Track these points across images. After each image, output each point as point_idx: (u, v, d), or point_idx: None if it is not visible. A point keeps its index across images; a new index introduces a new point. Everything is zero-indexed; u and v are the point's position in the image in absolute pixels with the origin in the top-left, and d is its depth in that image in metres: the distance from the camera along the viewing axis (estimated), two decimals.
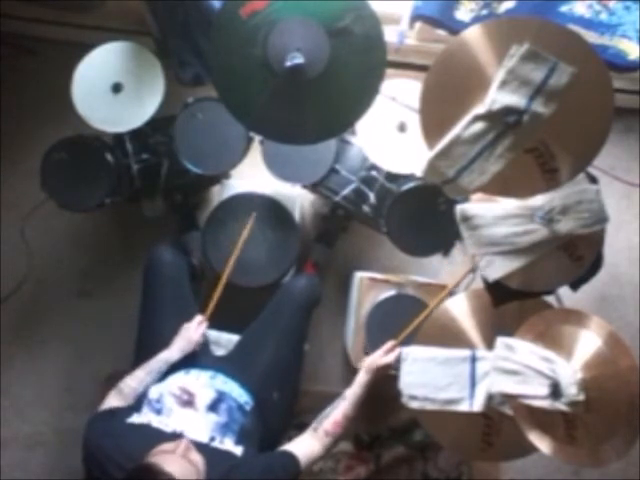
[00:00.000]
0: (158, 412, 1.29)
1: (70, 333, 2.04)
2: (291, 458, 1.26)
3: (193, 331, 1.50)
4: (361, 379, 1.43)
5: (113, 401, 1.35)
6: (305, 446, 1.32)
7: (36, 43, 2.11)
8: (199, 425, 1.27)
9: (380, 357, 1.46)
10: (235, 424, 1.33)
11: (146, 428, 1.23)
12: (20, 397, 2.01)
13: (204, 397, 1.34)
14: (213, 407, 1.33)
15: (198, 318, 1.53)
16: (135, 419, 1.25)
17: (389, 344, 1.49)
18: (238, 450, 1.26)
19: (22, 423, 1.99)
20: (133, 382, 1.38)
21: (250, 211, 1.67)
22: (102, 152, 1.67)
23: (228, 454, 1.24)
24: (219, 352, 1.61)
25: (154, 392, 1.34)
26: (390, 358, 1.45)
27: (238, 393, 1.42)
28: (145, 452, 1.10)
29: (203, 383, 1.38)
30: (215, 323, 1.63)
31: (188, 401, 1.31)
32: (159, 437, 1.18)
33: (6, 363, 2.01)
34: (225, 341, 1.64)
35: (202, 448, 1.19)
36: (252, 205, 1.69)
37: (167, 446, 1.11)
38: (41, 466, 1.97)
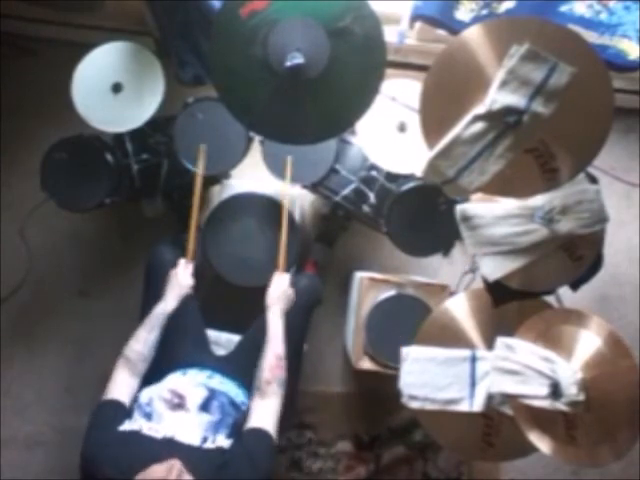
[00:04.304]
0: (148, 417, 1.27)
1: (70, 333, 2.04)
2: (263, 434, 1.25)
3: (182, 275, 1.51)
4: (272, 316, 1.45)
5: (122, 372, 1.34)
6: (264, 412, 1.30)
7: (36, 43, 2.11)
8: (191, 427, 1.25)
9: (275, 287, 1.50)
10: (229, 418, 1.31)
11: (137, 436, 1.21)
12: (20, 397, 2.01)
13: (195, 397, 1.32)
14: (205, 406, 1.31)
15: (182, 261, 1.54)
16: (127, 426, 1.23)
17: (277, 274, 1.54)
18: (228, 443, 1.24)
19: (22, 423, 2.00)
20: (138, 345, 1.37)
21: (250, 211, 1.67)
22: (102, 152, 1.67)
23: (218, 450, 1.22)
24: (219, 352, 1.61)
25: (145, 396, 1.32)
26: (283, 285, 1.50)
27: (235, 393, 1.41)
28: (137, 464, 1.09)
29: (197, 382, 1.37)
30: (215, 323, 1.63)
31: (179, 404, 1.29)
32: (149, 445, 1.18)
33: (6, 363, 2.01)
34: (225, 341, 1.64)
35: (193, 452, 1.18)
36: (252, 205, 1.69)
37: (159, 470, 1.09)
38: (41, 466, 1.98)
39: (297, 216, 1.79)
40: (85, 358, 2.02)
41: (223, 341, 1.64)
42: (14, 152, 2.07)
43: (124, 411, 1.29)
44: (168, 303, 1.46)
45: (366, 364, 1.71)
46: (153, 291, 1.58)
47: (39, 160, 1.66)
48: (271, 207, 1.70)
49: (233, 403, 1.37)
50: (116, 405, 1.30)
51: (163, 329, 1.42)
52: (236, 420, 1.32)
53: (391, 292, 1.72)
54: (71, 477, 1.89)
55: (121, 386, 1.33)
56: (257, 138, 1.67)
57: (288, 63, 1.10)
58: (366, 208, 1.73)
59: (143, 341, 1.38)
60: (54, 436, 1.99)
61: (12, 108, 2.08)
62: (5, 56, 2.08)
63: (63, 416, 1.99)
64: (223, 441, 1.24)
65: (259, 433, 1.25)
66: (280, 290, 1.50)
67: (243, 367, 1.49)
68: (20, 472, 1.97)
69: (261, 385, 1.33)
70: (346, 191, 1.71)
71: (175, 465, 1.10)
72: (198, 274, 1.78)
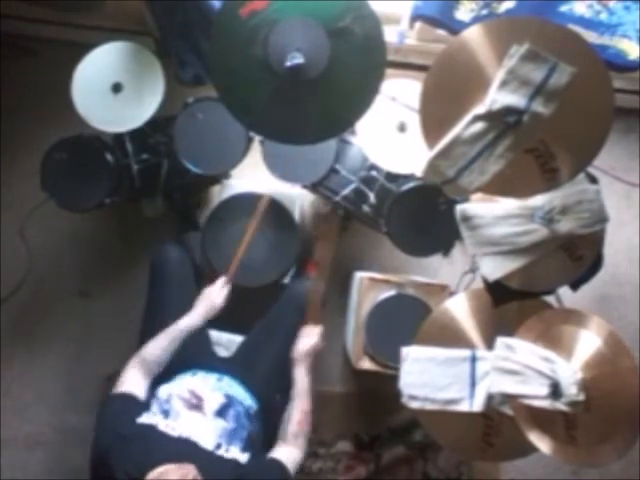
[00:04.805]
0: (166, 414, 1.27)
1: (70, 333, 2.04)
2: (284, 470, 1.25)
3: (216, 295, 1.48)
4: (299, 373, 1.44)
5: (134, 372, 1.32)
6: (286, 454, 1.31)
7: (36, 43, 2.11)
8: (206, 431, 1.25)
9: (305, 343, 1.47)
10: (243, 430, 1.32)
11: (153, 431, 1.21)
12: (20, 397, 2.01)
13: (213, 402, 1.32)
14: (221, 413, 1.31)
15: (221, 280, 1.51)
16: (145, 419, 1.23)
17: (306, 329, 1.50)
18: (244, 457, 1.24)
19: (22, 423, 2.00)
20: (156, 350, 1.36)
21: (250, 211, 1.67)
22: (102, 152, 1.67)
23: (233, 462, 1.22)
24: (220, 352, 1.61)
25: (163, 392, 1.32)
26: (313, 339, 1.47)
27: (243, 397, 1.41)
28: (151, 460, 1.09)
29: (212, 386, 1.37)
30: (215, 323, 1.63)
31: (197, 405, 1.30)
32: (165, 442, 1.18)
33: (6, 363, 2.01)
34: (226, 341, 1.64)
35: (207, 456, 1.18)
36: (252, 205, 1.69)
37: (174, 473, 1.08)
38: (41, 466, 1.98)
39: (297, 216, 1.79)
40: (85, 358, 2.02)
41: (224, 341, 1.64)
42: (14, 152, 2.07)
43: (139, 403, 1.28)
44: (195, 319, 1.44)
45: (366, 364, 1.71)
46: (157, 289, 1.59)
47: (39, 160, 1.66)
48: (271, 207, 1.70)
49: (247, 413, 1.37)
50: (129, 398, 1.28)
51: (184, 342, 1.41)
52: (250, 433, 1.33)
53: (391, 292, 1.72)
54: (71, 477, 1.91)
55: (133, 383, 1.31)
56: (257, 138, 1.67)
57: (288, 63, 1.10)
58: (366, 208, 1.73)
59: (162, 349, 1.37)
60: (54, 436, 1.99)
61: (12, 108, 2.08)
62: (5, 56, 2.08)
63: (63, 416, 1.99)
64: (238, 454, 1.24)
65: (280, 466, 1.25)
66: (310, 346, 1.47)
67: (248, 369, 1.50)
68: (20, 472, 1.97)
69: (287, 437, 1.34)
70: (346, 191, 1.71)
71: (191, 471, 1.10)
72: (198, 274, 1.79)
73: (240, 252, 1.57)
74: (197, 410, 1.29)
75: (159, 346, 1.38)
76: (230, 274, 1.54)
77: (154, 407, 1.28)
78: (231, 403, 1.35)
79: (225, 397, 1.35)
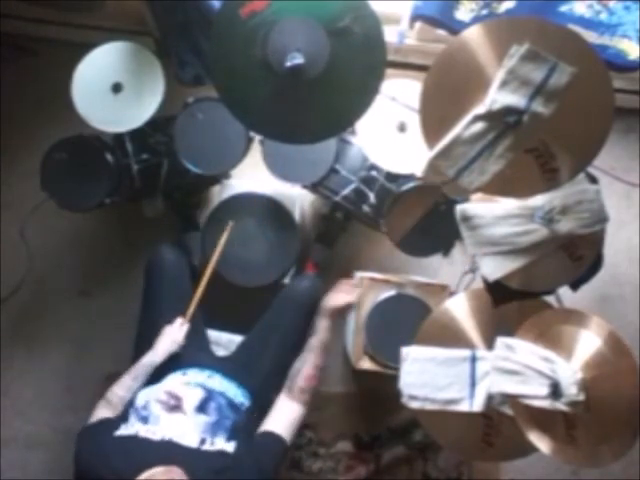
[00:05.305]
0: (145, 420, 1.26)
1: (70, 333, 2.04)
2: (277, 440, 1.25)
3: (176, 333, 1.49)
4: (323, 325, 1.43)
5: (102, 412, 1.32)
6: (286, 415, 1.30)
7: (36, 43, 2.11)
8: (188, 429, 1.24)
9: (339, 298, 1.46)
10: (227, 420, 1.30)
11: (133, 440, 1.20)
12: (20, 397, 2.01)
13: (192, 398, 1.31)
14: (202, 408, 1.30)
15: (179, 320, 1.52)
16: (123, 431, 1.23)
17: (343, 284, 1.48)
18: (230, 447, 1.23)
19: (22, 423, 2.00)
20: (120, 390, 1.37)
21: (250, 211, 1.68)
22: (102, 152, 1.67)
23: (219, 454, 1.21)
24: (219, 352, 1.61)
25: (140, 399, 1.32)
26: (349, 297, 1.45)
27: (234, 393, 1.40)
28: (135, 467, 1.09)
29: (194, 383, 1.37)
30: (215, 323, 1.63)
31: (175, 406, 1.29)
32: (147, 448, 1.18)
33: (6, 363, 2.01)
34: (225, 341, 1.64)
35: (191, 454, 1.18)
36: (252, 205, 1.69)
37: (159, 475, 1.09)
38: (41, 466, 1.98)
39: (297, 216, 1.80)
40: (85, 358, 2.02)
41: (224, 341, 1.64)
42: (14, 152, 2.07)
43: (114, 420, 1.28)
44: (157, 356, 1.44)
45: (366, 364, 1.71)
46: (153, 291, 1.59)
47: (39, 160, 1.66)
48: (271, 207, 1.71)
49: (232, 404, 1.36)
50: (102, 420, 1.29)
51: (148, 378, 1.41)
52: (235, 422, 1.31)
53: (391, 292, 1.72)
54: (71, 477, 1.90)
55: (102, 415, 1.32)
56: (257, 138, 1.67)
57: (288, 63, 1.10)
58: (366, 208, 1.73)
59: (127, 388, 1.37)
60: (54, 436, 1.99)
61: (12, 108, 2.08)
62: (5, 56, 2.08)
63: (63, 416, 1.99)
64: (224, 444, 1.23)
65: (273, 438, 1.25)
66: (343, 303, 1.46)
67: (245, 368, 1.50)
68: (20, 472, 1.97)
69: (294, 389, 1.34)
70: (346, 191, 1.71)
71: (176, 473, 1.09)
72: (195, 275, 1.79)
73: (199, 293, 1.56)
74: (177, 410, 1.28)
75: (123, 386, 1.38)
76: (187, 315, 1.54)
77: (132, 417, 1.27)
78: (211, 396, 1.34)
79: (204, 391, 1.34)
